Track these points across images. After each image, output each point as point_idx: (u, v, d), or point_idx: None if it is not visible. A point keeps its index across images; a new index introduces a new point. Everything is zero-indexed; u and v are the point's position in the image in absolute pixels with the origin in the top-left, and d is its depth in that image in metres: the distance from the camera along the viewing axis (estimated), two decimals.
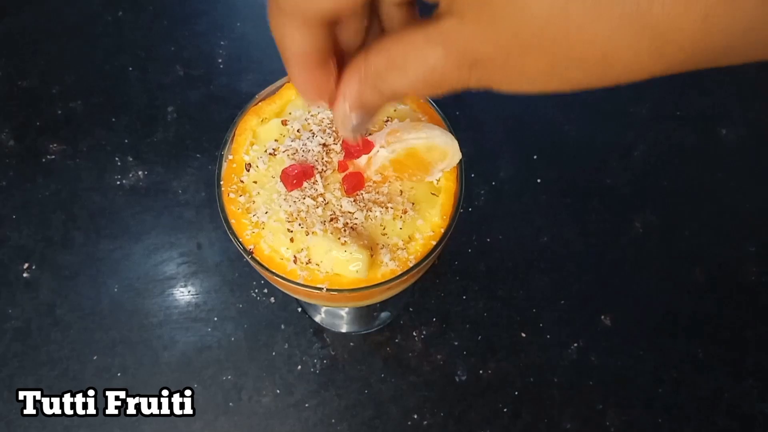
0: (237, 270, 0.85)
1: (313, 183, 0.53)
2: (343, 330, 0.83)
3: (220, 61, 0.97)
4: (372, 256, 0.51)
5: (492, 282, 0.85)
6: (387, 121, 0.55)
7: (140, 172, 0.91)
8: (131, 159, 0.91)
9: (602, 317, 0.83)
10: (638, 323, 0.83)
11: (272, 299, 0.83)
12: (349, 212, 0.52)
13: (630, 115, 0.94)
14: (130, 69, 0.96)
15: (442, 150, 0.51)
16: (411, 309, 0.83)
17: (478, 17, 0.28)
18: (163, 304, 0.83)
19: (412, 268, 0.50)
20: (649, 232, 0.88)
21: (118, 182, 0.90)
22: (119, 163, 0.91)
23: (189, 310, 0.83)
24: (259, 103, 0.58)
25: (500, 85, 0.31)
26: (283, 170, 0.52)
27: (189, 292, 0.84)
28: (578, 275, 0.85)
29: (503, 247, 0.87)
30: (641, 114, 0.94)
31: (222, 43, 0.98)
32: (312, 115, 0.56)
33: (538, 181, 0.91)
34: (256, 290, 0.84)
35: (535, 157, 0.92)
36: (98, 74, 0.96)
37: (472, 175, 0.91)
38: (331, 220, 0.51)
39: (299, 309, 0.83)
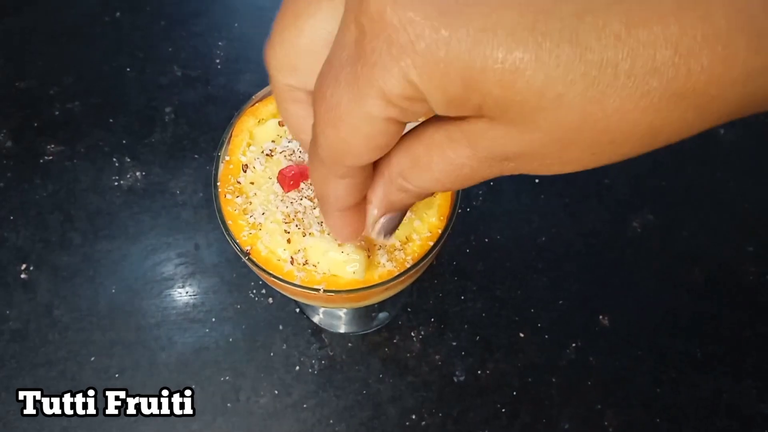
0: (235, 270, 0.85)
1: (310, 184, 0.53)
2: (342, 330, 0.83)
3: (217, 61, 0.97)
4: (369, 257, 0.51)
5: (490, 282, 0.85)
6: None
7: (138, 173, 0.91)
8: (129, 160, 0.91)
9: (601, 317, 0.83)
10: (637, 323, 0.83)
11: (270, 300, 0.83)
12: None
13: None
14: (128, 70, 0.97)
15: None
16: (409, 309, 0.83)
17: (509, 120, 0.26)
18: (160, 304, 0.83)
19: (409, 269, 0.51)
20: (648, 232, 0.88)
21: (116, 183, 0.90)
22: (117, 164, 0.91)
23: (187, 311, 0.83)
24: (256, 104, 0.58)
25: (538, 172, 0.30)
26: (279, 171, 0.53)
27: (187, 293, 0.84)
28: (577, 275, 0.85)
29: (501, 248, 0.87)
30: None
31: (220, 43, 0.98)
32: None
33: (536, 181, 0.91)
34: (254, 291, 0.84)
35: None
36: (96, 75, 0.97)
37: None
38: None
39: (297, 310, 0.83)
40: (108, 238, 0.88)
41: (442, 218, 0.53)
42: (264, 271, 0.50)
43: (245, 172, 0.55)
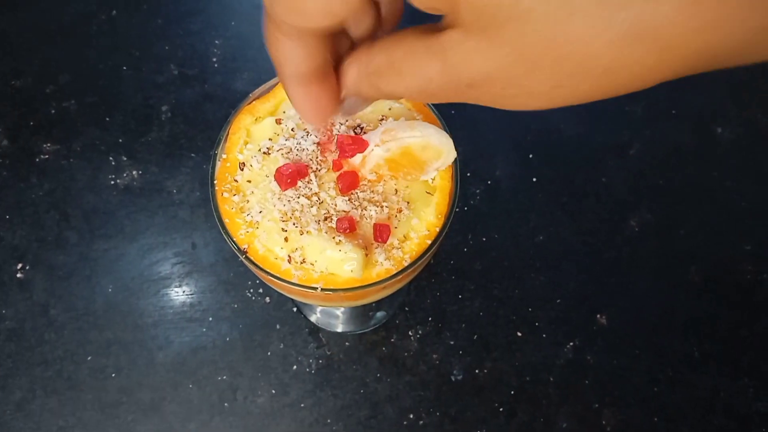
0: (232, 270, 0.85)
1: (308, 182, 0.53)
2: (339, 330, 0.83)
3: (214, 60, 0.97)
4: (367, 255, 0.51)
5: (488, 281, 0.86)
6: (382, 119, 0.56)
7: (134, 172, 0.91)
8: (125, 158, 0.92)
9: (598, 316, 0.84)
10: (634, 322, 0.83)
11: (267, 299, 0.84)
12: (344, 211, 0.52)
13: (626, 114, 0.95)
14: (125, 68, 0.97)
15: (437, 149, 0.51)
16: (406, 308, 0.84)
17: (482, 31, 0.27)
18: (157, 304, 0.83)
19: (407, 268, 0.51)
20: (645, 231, 0.89)
21: (112, 182, 0.91)
22: (113, 163, 0.91)
23: (184, 311, 0.83)
24: (253, 102, 0.58)
25: (499, 104, 0.31)
26: (277, 169, 0.53)
27: (184, 292, 0.84)
28: (574, 274, 0.86)
29: (499, 246, 0.87)
30: (637, 113, 0.95)
31: (216, 42, 0.98)
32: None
33: (534, 180, 0.91)
34: (251, 290, 0.84)
35: (531, 156, 0.92)
36: (92, 74, 0.97)
37: (468, 174, 0.91)
38: (326, 219, 0.52)
39: (294, 309, 0.84)
40: (104, 237, 0.88)
41: (440, 216, 0.54)
42: (261, 269, 0.51)
43: (242, 170, 0.55)
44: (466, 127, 0.94)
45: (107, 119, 0.94)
